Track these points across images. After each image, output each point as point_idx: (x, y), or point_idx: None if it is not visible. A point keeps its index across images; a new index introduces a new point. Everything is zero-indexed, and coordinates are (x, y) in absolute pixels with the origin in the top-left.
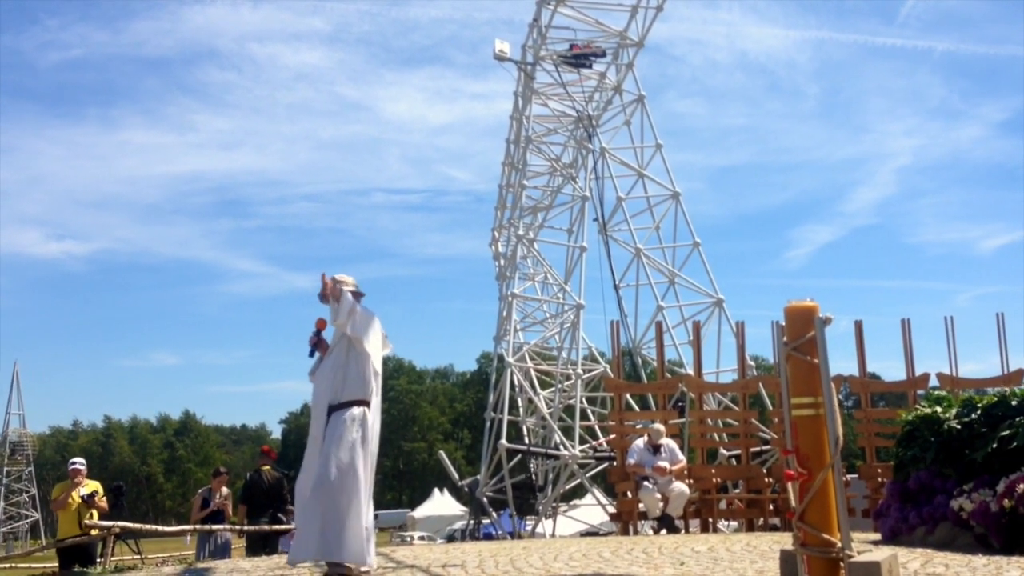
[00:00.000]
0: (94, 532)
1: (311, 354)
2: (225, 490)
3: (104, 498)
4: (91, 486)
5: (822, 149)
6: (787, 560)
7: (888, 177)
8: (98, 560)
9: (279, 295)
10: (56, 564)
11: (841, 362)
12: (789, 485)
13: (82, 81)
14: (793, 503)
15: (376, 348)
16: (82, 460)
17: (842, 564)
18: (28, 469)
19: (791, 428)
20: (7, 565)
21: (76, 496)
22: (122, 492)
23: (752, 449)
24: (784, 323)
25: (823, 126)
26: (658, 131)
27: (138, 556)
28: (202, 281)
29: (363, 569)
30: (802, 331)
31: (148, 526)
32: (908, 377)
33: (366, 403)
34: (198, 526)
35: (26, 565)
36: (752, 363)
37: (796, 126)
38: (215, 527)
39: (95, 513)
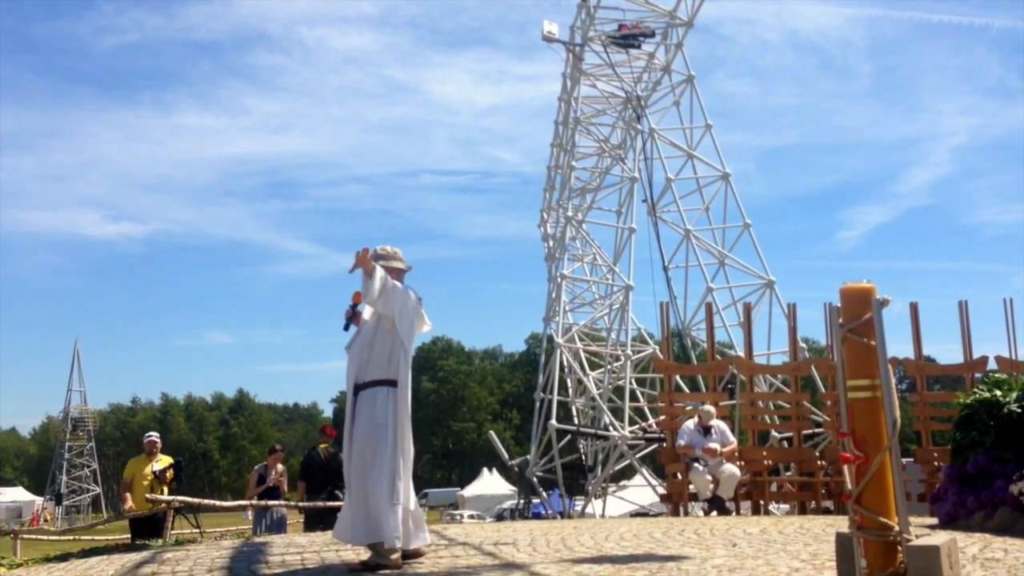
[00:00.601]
0: (161, 505)
1: (346, 327)
2: (280, 467)
3: (172, 472)
4: (163, 460)
5: (875, 129)
6: (843, 543)
7: (943, 157)
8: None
9: (329, 276)
10: (122, 536)
11: (895, 345)
12: (845, 468)
13: (137, 65)
14: (849, 486)
15: (407, 327)
16: (156, 433)
17: (900, 548)
18: (89, 444)
19: (847, 411)
20: (71, 537)
21: (149, 470)
22: (181, 467)
23: (804, 432)
24: (840, 305)
25: (876, 105)
26: (707, 112)
27: (197, 530)
28: (254, 262)
29: (414, 547)
30: (858, 313)
31: (207, 501)
32: (965, 360)
33: (391, 382)
34: (255, 501)
35: (89, 537)
36: (804, 345)
37: (848, 105)
38: (271, 503)
39: (166, 488)
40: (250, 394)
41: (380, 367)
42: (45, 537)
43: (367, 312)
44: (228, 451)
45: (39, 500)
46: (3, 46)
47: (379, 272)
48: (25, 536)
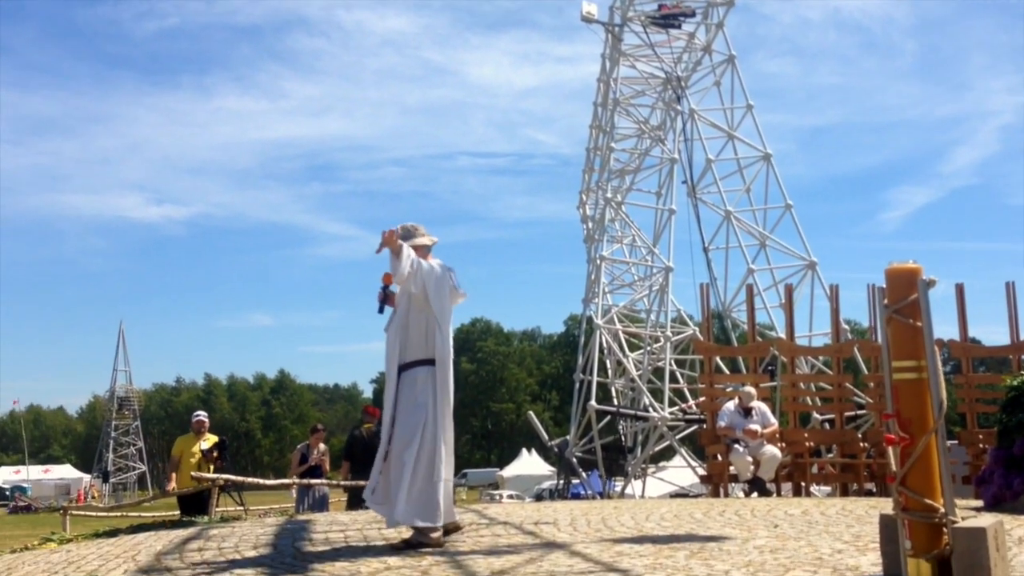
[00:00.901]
0: (206, 484)
1: (380, 310)
2: (322, 446)
3: (217, 451)
4: (210, 439)
5: (919, 108)
6: (887, 524)
7: (990, 136)
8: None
9: (368, 258)
10: (167, 513)
11: (941, 326)
12: (889, 449)
13: (177, 49)
14: (894, 467)
15: (439, 303)
16: (204, 413)
17: (945, 530)
18: (135, 423)
19: (892, 392)
20: (119, 514)
21: (197, 448)
22: (225, 446)
23: (847, 413)
24: (885, 285)
25: (921, 84)
26: (748, 92)
27: (241, 507)
28: (293, 244)
29: (452, 521)
30: (904, 294)
31: (251, 479)
32: (1012, 341)
33: (430, 361)
34: (298, 480)
35: (136, 514)
36: (846, 327)
37: (892, 84)
38: (313, 481)
39: (212, 466)
40: (291, 375)
41: (418, 347)
42: (94, 513)
43: (399, 292)
44: (270, 431)
45: (87, 477)
46: (47, 31)
47: (406, 251)
48: (74, 512)
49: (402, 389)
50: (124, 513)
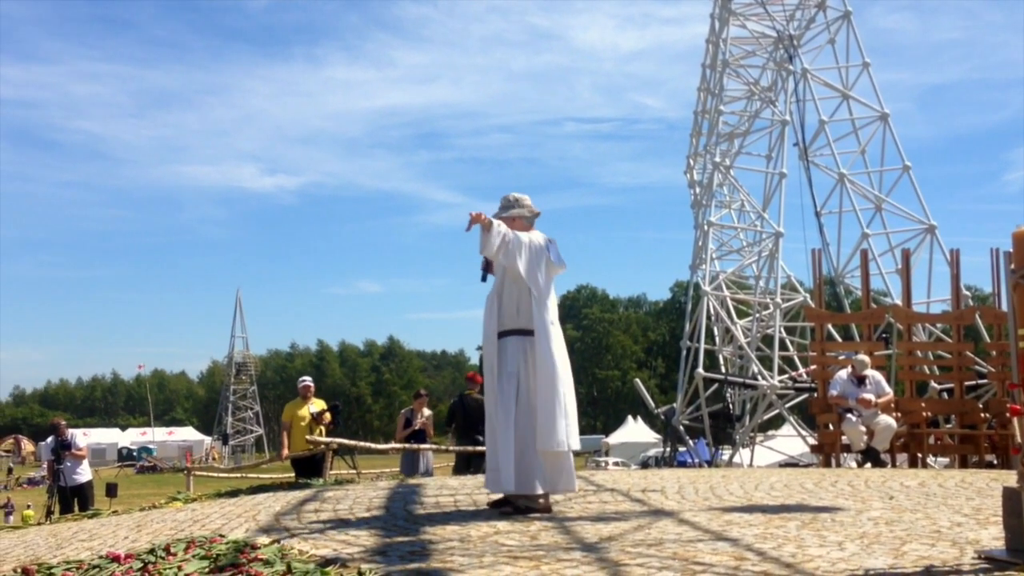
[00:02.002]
0: (318, 447)
1: (483, 279)
2: (427, 411)
3: (330, 415)
4: (318, 404)
5: None
6: (1010, 498)
7: None
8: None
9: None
10: (284, 475)
11: None
12: (1015, 420)
13: (288, 20)
14: (1018, 439)
15: (533, 274)
16: (310, 377)
17: None
18: (252, 388)
19: (1018, 361)
20: (239, 475)
21: (306, 412)
22: (338, 411)
23: (967, 383)
24: (1011, 249)
25: None
26: (865, 49)
27: (354, 471)
28: (402, 212)
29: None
30: None
31: (362, 443)
32: None
33: (523, 332)
34: (403, 444)
35: (255, 475)
36: (967, 293)
37: (1018, 38)
38: (419, 446)
39: (322, 429)
40: (400, 341)
41: (511, 317)
42: (215, 474)
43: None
44: (380, 396)
45: (208, 440)
46: (166, 6)
47: (495, 226)
48: (197, 473)
49: (499, 358)
50: (244, 474)
